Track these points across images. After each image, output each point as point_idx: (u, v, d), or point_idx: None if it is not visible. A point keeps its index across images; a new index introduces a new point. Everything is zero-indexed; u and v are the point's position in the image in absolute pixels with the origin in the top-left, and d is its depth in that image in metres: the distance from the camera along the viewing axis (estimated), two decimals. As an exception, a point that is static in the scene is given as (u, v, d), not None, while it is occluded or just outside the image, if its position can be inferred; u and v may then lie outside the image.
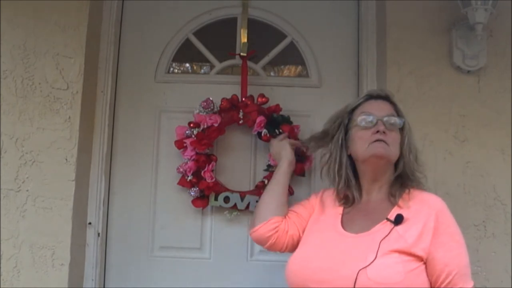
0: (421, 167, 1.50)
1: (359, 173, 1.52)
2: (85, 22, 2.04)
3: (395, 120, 1.46)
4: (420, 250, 1.30)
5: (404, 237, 1.32)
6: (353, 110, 1.52)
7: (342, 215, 1.47)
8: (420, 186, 1.47)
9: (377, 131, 1.42)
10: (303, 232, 1.53)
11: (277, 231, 1.51)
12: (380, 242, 1.30)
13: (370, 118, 1.44)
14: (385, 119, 1.44)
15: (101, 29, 2.17)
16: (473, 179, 1.96)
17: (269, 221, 1.51)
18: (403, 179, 1.46)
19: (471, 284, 1.34)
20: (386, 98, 1.53)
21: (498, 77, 2.01)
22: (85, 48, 2.02)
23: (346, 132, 1.51)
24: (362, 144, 1.44)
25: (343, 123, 1.52)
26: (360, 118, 1.46)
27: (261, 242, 1.57)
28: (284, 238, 1.52)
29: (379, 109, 1.47)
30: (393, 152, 1.43)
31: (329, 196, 1.57)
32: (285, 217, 1.56)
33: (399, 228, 1.34)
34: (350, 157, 1.51)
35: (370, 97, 1.53)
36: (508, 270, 1.90)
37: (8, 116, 1.99)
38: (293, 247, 1.54)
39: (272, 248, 1.57)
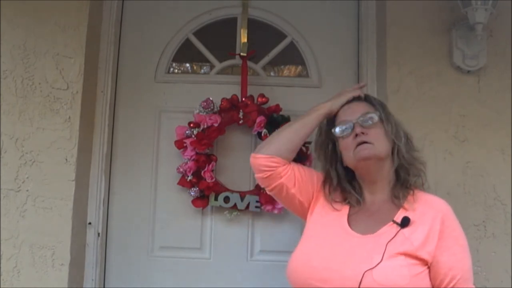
0: (415, 152, 1.48)
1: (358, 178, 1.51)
2: (85, 22, 2.04)
3: (370, 116, 1.44)
4: (426, 254, 1.30)
5: (410, 239, 1.31)
6: (332, 121, 1.51)
7: (349, 215, 1.45)
8: (419, 181, 1.46)
9: (356, 135, 1.42)
10: (294, 187, 1.50)
11: (272, 170, 1.48)
12: (387, 244, 1.29)
13: (346, 126, 1.44)
14: (360, 120, 1.43)
15: (101, 29, 2.17)
16: (473, 179, 1.96)
17: (272, 158, 1.48)
18: (402, 174, 1.44)
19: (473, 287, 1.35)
20: (359, 98, 1.53)
21: (498, 77, 2.01)
22: (85, 48, 2.02)
23: (335, 144, 1.51)
24: (347, 153, 1.44)
25: (328, 138, 1.52)
26: (338, 129, 1.46)
27: (254, 169, 1.54)
28: (275, 180, 1.49)
29: (353, 112, 1.46)
30: (380, 148, 1.42)
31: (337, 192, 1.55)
32: (289, 163, 1.52)
33: (405, 230, 1.33)
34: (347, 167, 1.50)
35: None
36: (508, 270, 1.90)
37: (8, 116, 1.99)
38: (276, 194, 1.53)
39: (260, 181, 1.55)
